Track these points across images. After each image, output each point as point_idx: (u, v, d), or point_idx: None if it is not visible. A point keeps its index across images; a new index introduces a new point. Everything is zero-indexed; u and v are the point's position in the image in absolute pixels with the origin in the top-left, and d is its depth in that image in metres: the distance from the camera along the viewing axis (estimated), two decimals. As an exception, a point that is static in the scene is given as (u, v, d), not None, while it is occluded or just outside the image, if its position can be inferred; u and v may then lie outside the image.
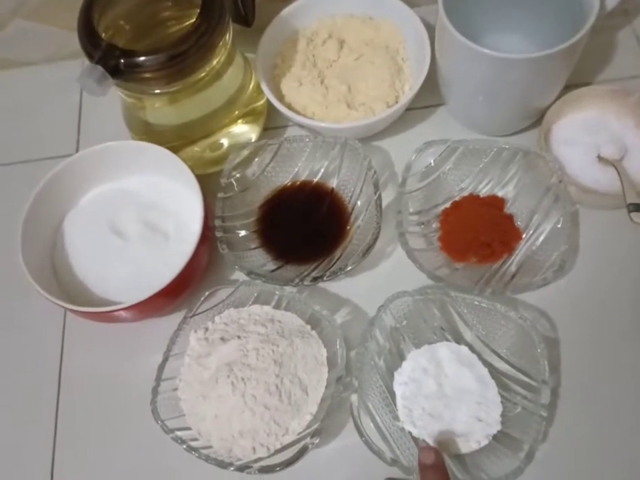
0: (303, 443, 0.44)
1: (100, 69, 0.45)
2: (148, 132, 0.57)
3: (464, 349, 0.50)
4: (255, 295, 0.53)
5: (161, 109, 0.54)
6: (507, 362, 0.49)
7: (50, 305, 0.50)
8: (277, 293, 0.52)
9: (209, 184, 0.54)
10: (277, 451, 0.45)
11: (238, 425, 0.45)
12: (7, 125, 0.67)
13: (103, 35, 0.49)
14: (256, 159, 0.57)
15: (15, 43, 0.66)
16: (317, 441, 0.44)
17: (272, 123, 0.62)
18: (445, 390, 0.49)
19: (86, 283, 0.54)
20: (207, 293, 0.52)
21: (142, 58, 0.47)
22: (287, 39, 0.61)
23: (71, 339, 0.56)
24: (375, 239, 0.51)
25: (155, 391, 0.48)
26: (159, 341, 0.52)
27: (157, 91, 0.51)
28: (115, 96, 0.54)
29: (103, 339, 0.55)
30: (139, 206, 0.56)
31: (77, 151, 0.64)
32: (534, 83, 0.52)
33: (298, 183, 0.58)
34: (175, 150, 0.55)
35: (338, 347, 0.48)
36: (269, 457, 0.45)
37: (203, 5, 0.48)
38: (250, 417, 0.45)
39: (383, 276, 0.56)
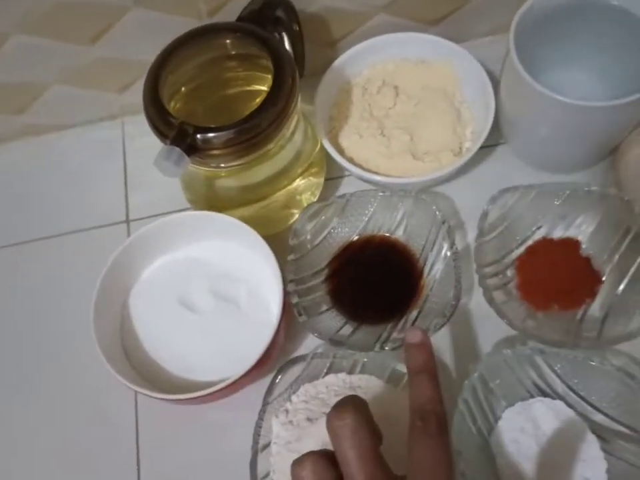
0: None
1: (177, 150, 0.43)
2: (208, 196, 0.56)
3: (559, 403, 0.49)
4: (328, 364, 0.51)
5: (225, 176, 0.52)
6: (607, 415, 0.48)
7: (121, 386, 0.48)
8: (353, 357, 0.50)
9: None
10: None
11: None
12: (54, 193, 0.64)
13: (169, 106, 0.47)
14: (322, 217, 0.55)
15: (56, 107, 0.64)
16: None
17: (327, 174, 0.60)
18: (545, 449, 0.48)
19: (161, 363, 0.52)
20: (280, 376, 0.49)
21: (218, 133, 0.45)
22: (341, 89, 0.60)
23: (145, 419, 0.54)
24: (458, 299, 0.50)
25: None
26: (236, 415, 0.51)
27: (223, 165, 0.49)
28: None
29: (176, 415, 0.53)
30: (206, 275, 0.54)
31: (127, 216, 0.62)
32: (613, 126, 0.51)
33: (364, 237, 0.57)
34: (233, 210, 0.53)
35: None
36: None
37: (275, 72, 0.46)
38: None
39: (456, 329, 0.54)
